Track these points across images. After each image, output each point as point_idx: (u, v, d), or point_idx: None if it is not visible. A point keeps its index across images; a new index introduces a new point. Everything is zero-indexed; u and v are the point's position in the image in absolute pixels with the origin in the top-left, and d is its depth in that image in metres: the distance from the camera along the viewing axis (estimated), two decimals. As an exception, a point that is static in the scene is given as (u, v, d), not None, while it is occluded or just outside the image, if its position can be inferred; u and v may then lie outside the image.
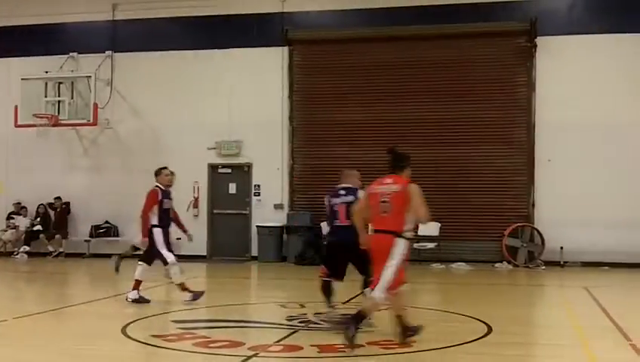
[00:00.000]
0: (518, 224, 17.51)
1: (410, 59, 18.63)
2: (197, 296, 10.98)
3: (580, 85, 17.55)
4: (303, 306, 10.73)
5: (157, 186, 11.20)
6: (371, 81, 18.79)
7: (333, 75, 19.05)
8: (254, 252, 18.90)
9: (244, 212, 19.27)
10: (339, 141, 18.81)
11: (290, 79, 19.22)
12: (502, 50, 18.38)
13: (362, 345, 7.73)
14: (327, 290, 9.57)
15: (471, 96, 18.18)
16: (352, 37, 18.94)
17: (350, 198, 9.16)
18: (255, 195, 19.20)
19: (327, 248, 9.63)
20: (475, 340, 8.25)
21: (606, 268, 16.81)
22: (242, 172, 19.36)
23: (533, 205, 17.74)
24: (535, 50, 17.90)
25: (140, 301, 10.90)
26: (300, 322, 9.41)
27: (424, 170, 17.70)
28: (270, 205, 18.91)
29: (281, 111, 19.15)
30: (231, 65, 19.28)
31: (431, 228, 17.46)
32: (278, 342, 8.18)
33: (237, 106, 19.11)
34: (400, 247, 7.61)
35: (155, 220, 10.97)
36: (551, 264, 17.19)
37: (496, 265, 17.29)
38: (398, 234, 7.66)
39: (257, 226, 18.72)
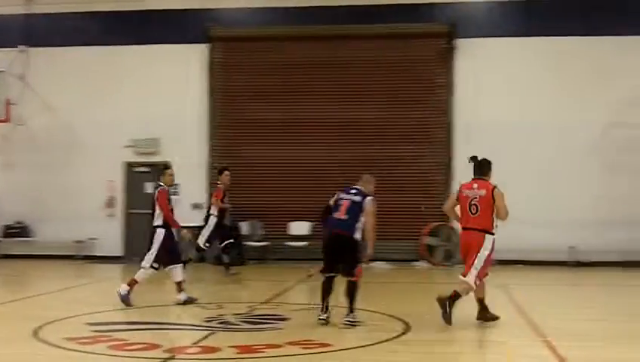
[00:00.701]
0: (437, 223, 17.72)
1: (332, 59, 18.63)
2: (127, 298, 10.72)
3: (498, 86, 17.89)
4: (221, 307, 10.60)
5: (161, 185, 11.16)
6: (292, 80, 18.72)
7: (253, 74, 18.86)
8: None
9: (161, 212, 18.87)
10: (258, 140, 18.65)
11: (210, 77, 18.95)
12: (422, 51, 18.54)
13: (281, 346, 7.66)
14: (326, 289, 9.23)
15: (391, 97, 18.31)
16: (273, 35, 18.82)
17: (358, 199, 9.37)
18: (173, 195, 18.79)
19: (325, 241, 9.57)
20: (394, 338, 8.27)
21: (521, 266, 17.17)
22: (160, 171, 18.90)
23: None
24: (455, 52, 18.17)
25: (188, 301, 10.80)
26: (219, 323, 9.27)
27: (342, 169, 17.77)
28: (188, 205, 18.60)
29: (200, 109, 18.88)
30: (150, 62, 18.87)
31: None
32: (195, 343, 8.02)
33: (155, 104, 18.72)
34: (488, 243, 9.08)
35: (159, 221, 10.82)
36: (468, 263, 17.43)
37: (414, 263, 17.46)
38: (487, 232, 9.13)
39: (175, 226, 18.37)
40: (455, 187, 17.61)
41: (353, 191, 9.51)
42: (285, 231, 18.16)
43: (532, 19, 18.02)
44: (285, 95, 18.69)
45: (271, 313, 10.18)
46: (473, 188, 9.45)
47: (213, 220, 14.28)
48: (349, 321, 8.87)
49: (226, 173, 14.49)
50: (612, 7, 17.79)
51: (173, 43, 18.91)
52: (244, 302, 11.27)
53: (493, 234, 9.22)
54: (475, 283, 9.08)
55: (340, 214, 9.25)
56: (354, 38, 18.58)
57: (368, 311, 9.96)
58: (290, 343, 7.85)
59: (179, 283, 10.90)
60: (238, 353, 7.47)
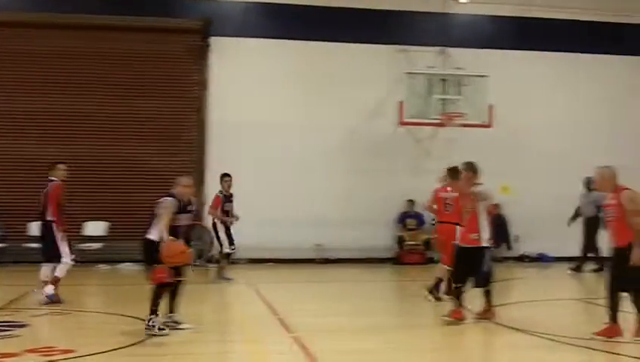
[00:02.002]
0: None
1: (83, 50, 17.74)
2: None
3: (251, 86, 18.09)
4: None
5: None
6: (40, 70, 17.58)
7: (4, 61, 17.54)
8: None
9: None
10: (5, 132, 17.34)
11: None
12: (175, 47, 18.27)
13: (19, 354, 7.09)
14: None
15: (143, 93, 17.83)
16: (20, 22, 17.51)
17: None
18: None
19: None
20: (139, 342, 7.97)
21: (271, 264, 17.48)
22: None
23: (203, 204, 17.86)
24: (209, 50, 18.09)
25: None
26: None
27: (91, 166, 17.08)
28: None
29: None
30: None
31: (97, 228, 16.84)
32: None
33: None
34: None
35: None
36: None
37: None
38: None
39: None
40: (209, 184, 17.79)
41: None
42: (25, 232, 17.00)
43: (287, 21, 18.47)
44: (35, 85, 17.50)
45: (7, 320, 9.40)
46: (447, 191, 11.20)
47: None
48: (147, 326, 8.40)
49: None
50: (363, 18, 18.70)
51: None
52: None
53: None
54: None
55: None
56: (108, 29, 17.81)
57: (116, 314, 9.57)
58: (30, 351, 7.30)
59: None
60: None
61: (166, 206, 8.59)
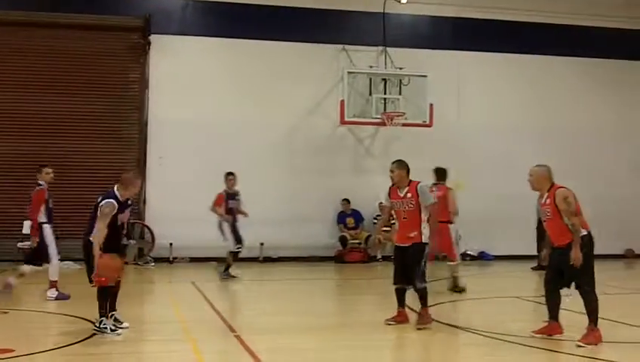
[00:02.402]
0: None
1: (22, 47, 17.45)
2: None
3: (192, 85, 18.01)
4: None
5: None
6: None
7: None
8: None
9: None
10: None
11: None
12: (115, 44, 18.06)
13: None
14: None
15: (82, 90, 17.56)
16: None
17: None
18: None
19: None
20: (80, 341, 7.90)
21: (214, 263, 17.41)
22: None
23: (145, 202, 17.75)
24: (149, 48, 17.95)
25: None
26: None
27: (27, 164, 16.70)
28: None
29: None
30: None
31: (26, 227, 16.49)
32: None
33: None
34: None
35: None
36: (161, 260, 17.35)
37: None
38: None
39: None
40: (148, 186, 17.66)
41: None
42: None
43: (227, 19, 18.44)
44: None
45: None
46: (433, 191, 11.31)
47: None
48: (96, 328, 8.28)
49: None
50: (305, 16, 18.80)
51: None
52: None
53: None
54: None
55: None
56: (47, 26, 17.50)
57: (57, 313, 9.45)
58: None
59: None
60: None
61: (107, 210, 8.32)
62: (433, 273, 11.57)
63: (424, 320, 8.97)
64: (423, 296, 9.01)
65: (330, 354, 7.77)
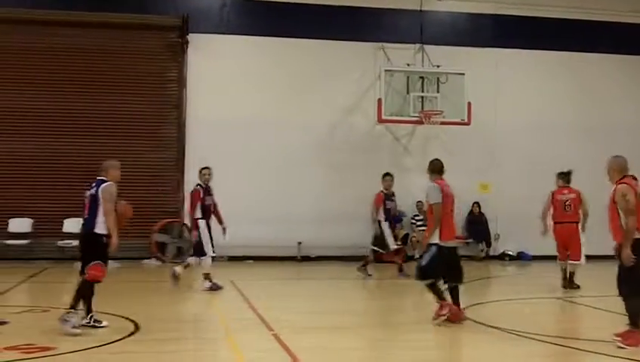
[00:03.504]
0: (168, 220, 17.47)
1: (60, 46, 17.67)
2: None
3: (230, 83, 18.06)
4: None
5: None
6: (16, 66, 17.45)
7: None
8: None
9: None
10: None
11: None
12: (153, 44, 18.23)
13: (-2, 351, 7.05)
14: None
15: (121, 90, 17.74)
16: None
17: (94, 191, 8.76)
18: None
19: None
20: (121, 339, 7.95)
21: (250, 261, 17.48)
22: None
23: (184, 201, 17.82)
24: (187, 47, 18.04)
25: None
26: None
27: (72, 162, 17.02)
28: None
29: None
30: None
31: (79, 225, 16.68)
32: None
33: None
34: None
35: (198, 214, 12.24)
36: (200, 259, 17.38)
37: (144, 261, 17.06)
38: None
39: None
40: (187, 185, 17.70)
41: (94, 184, 8.82)
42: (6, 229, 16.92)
43: (266, 18, 18.52)
44: (10, 81, 17.42)
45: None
46: (564, 194, 12.74)
47: None
48: (64, 319, 8.18)
49: None
50: (343, 15, 18.77)
51: None
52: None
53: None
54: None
55: (84, 212, 8.75)
56: (85, 25, 17.72)
57: (98, 311, 9.52)
58: (8, 348, 7.25)
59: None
60: None
61: (112, 189, 8.56)
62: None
63: (440, 313, 8.95)
64: (432, 291, 9.05)
65: (367, 354, 7.73)
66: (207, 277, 12.23)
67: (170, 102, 18.14)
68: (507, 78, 19.34)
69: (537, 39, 19.56)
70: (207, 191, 12.49)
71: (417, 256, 18.09)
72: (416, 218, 18.49)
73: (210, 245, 12.22)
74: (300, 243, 17.93)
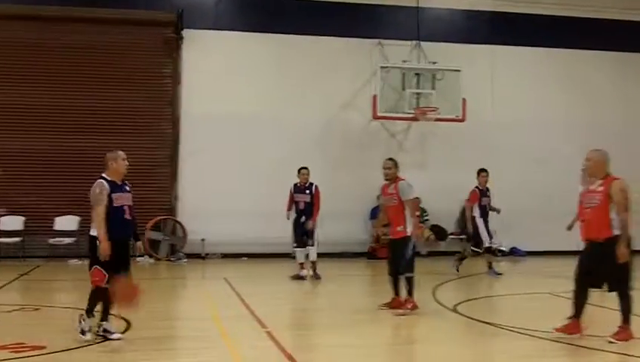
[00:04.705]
0: (161, 217, 17.37)
1: (53, 42, 17.47)
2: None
3: (225, 80, 17.94)
4: None
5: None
6: (6, 61, 17.30)
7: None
8: None
9: None
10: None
11: None
12: (148, 39, 18.08)
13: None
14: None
15: (115, 86, 17.57)
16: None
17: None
18: None
19: None
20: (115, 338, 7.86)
21: (245, 258, 17.40)
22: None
23: (177, 198, 17.76)
24: (181, 43, 17.94)
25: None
26: None
27: (64, 159, 16.95)
28: None
29: None
30: None
31: (69, 223, 16.65)
32: None
33: None
34: None
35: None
36: (193, 256, 17.31)
37: (138, 259, 16.94)
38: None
39: None
40: (180, 182, 17.64)
41: None
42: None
43: (260, 14, 18.42)
44: (4, 77, 17.26)
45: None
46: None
47: None
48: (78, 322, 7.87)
49: None
50: (337, 11, 18.67)
51: None
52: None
53: None
54: None
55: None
56: (75, 20, 17.51)
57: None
58: (-1, 347, 7.18)
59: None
60: None
61: (97, 190, 7.81)
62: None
63: (405, 307, 9.55)
64: (408, 285, 9.67)
65: (362, 351, 7.67)
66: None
67: (165, 99, 18.02)
68: (502, 74, 19.29)
69: (533, 36, 19.51)
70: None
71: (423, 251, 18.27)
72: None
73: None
74: (296, 239, 17.84)
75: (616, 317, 7.81)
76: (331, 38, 18.56)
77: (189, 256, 17.32)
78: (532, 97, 19.50)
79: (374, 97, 17.78)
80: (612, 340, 7.61)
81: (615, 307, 7.84)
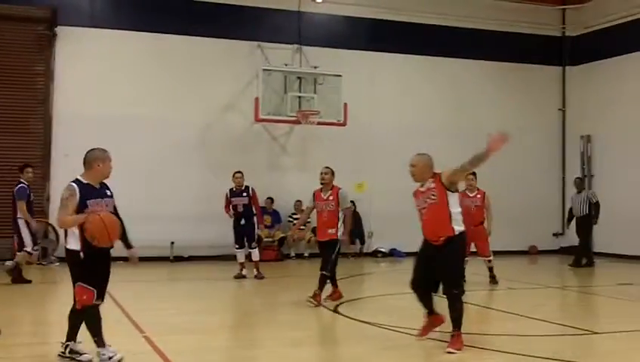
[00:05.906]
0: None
1: None
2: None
3: (100, 79, 17.42)
4: None
5: None
6: None
7: None
8: None
9: None
10: None
11: None
12: (20, 36, 17.30)
13: None
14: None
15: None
16: None
17: None
18: None
19: None
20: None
21: (121, 262, 16.85)
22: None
23: (48, 199, 17.06)
24: (55, 40, 17.29)
25: None
26: None
27: None
28: None
29: None
30: None
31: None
32: None
33: None
34: None
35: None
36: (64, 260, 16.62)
37: (7, 263, 16.14)
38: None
39: None
40: (53, 183, 16.93)
41: None
42: None
43: (139, 12, 18.00)
44: None
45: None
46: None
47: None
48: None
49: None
50: (219, 12, 18.47)
51: None
52: None
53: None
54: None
55: None
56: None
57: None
58: None
59: None
60: None
61: (64, 195, 7.01)
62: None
63: (315, 299, 10.49)
64: (321, 281, 10.63)
65: (239, 353, 7.59)
66: None
67: (37, 97, 17.30)
68: (383, 81, 19.66)
69: (412, 44, 19.99)
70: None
71: (293, 254, 18.30)
72: (294, 216, 18.49)
73: None
74: (172, 243, 17.54)
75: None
76: (213, 39, 18.35)
77: (62, 259, 16.63)
78: (411, 103, 19.97)
79: (256, 100, 17.72)
80: (451, 350, 7.42)
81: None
